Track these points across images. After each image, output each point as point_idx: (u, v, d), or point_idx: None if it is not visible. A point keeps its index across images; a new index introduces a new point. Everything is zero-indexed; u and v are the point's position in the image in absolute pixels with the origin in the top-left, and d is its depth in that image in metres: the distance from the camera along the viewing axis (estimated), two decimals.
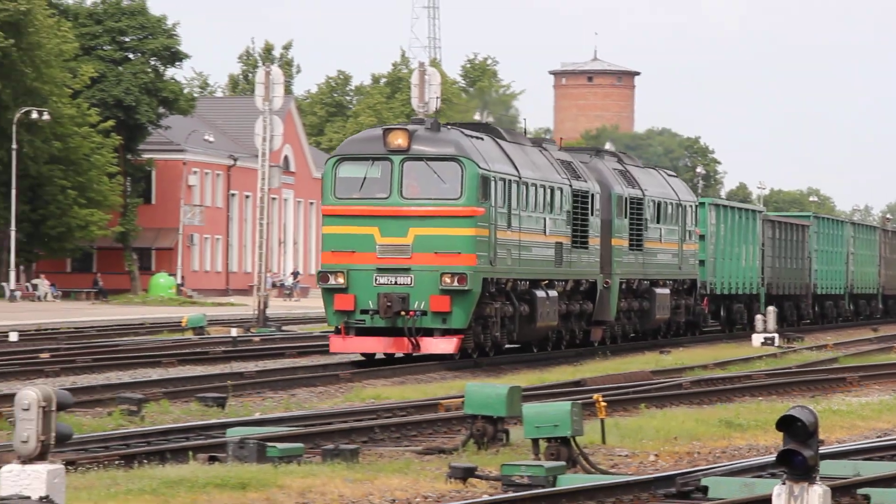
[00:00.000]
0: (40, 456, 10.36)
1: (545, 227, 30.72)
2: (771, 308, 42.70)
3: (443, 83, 61.69)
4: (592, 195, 33.30)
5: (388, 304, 26.01)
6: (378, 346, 26.62)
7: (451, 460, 14.90)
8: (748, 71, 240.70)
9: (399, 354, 27.58)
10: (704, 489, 12.95)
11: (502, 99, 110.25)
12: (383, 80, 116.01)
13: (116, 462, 14.19)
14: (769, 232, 48.03)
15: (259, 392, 23.34)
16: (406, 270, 26.62)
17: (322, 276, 27.14)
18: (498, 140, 29.62)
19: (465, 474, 13.78)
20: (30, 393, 10.44)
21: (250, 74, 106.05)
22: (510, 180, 28.58)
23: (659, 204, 37.38)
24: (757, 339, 39.93)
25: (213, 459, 14.21)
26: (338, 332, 27.27)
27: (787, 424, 8.95)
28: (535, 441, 14.87)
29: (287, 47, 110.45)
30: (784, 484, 9.38)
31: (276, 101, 47.79)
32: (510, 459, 14.58)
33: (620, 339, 35.39)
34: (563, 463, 14.25)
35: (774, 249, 48.47)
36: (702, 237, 41.45)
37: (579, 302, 32.92)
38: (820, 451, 9.55)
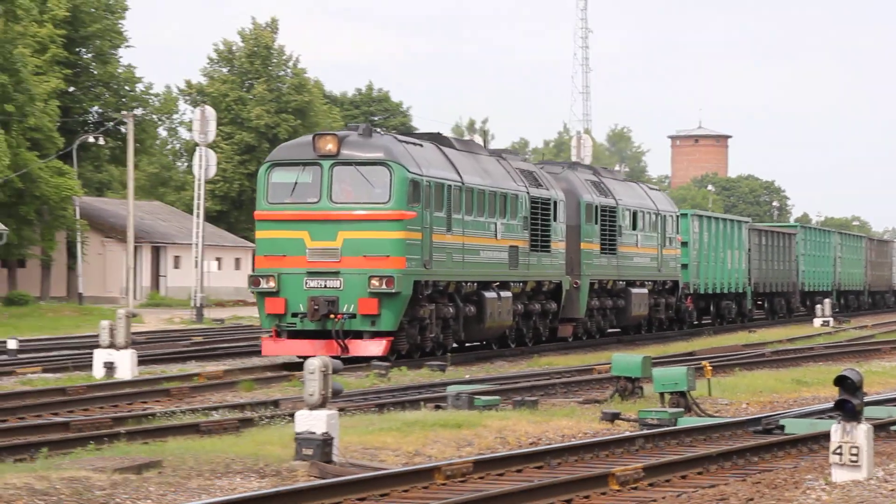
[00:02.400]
0: (321, 405, 12.63)
1: (496, 231, 28.18)
2: (827, 300, 48.12)
3: (593, 146, 75.13)
4: (555, 202, 31.22)
5: (315, 307, 23.60)
6: (308, 349, 23.43)
7: (602, 408, 17.88)
8: (812, 123, 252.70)
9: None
10: (782, 427, 15.66)
11: (635, 155, 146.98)
12: (552, 143, 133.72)
13: (372, 409, 17.58)
14: (755, 239, 49.06)
15: (469, 362, 27.69)
16: (335, 274, 23.92)
17: (254, 279, 24.80)
18: (442, 147, 27.39)
19: (613, 417, 16.92)
20: (314, 361, 12.67)
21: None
22: (451, 186, 26.10)
23: (635, 213, 35.88)
24: (817, 321, 45.69)
25: (437, 407, 17.68)
26: (271, 335, 24.60)
27: (840, 381, 11.44)
28: (662, 394, 17.65)
29: (484, 122, 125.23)
30: (839, 423, 11.64)
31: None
32: (644, 407, 17.34)
33: (593, 334, 33.89)
34: (682, 409, 17.12)
35: (761, 254, 49.51)
36: (685, 244, 40.30)
37: (541, 302, 30.90)
38: (864, 400, 11.50)
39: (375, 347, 23.39)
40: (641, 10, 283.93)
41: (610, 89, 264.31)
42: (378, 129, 25.90)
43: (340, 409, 14.96)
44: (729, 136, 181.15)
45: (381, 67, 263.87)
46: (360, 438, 14.12)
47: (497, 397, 18.17)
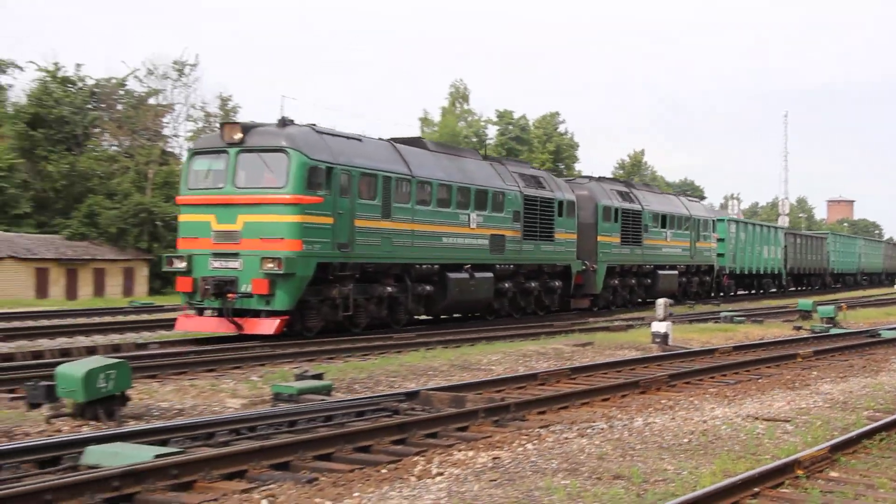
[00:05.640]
0: (663, 319, 24.02)
1: (470, 220, 27.20)
2: None
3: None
4: (561, 202, 32.07)
5: (206, 286, 21.69)
6: (211, 326, 21.92)
7: (792, 324, 31.72)
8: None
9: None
10: (880, 334, 27.48)
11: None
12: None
13: (685, 322, 30.51)
14: (790, 239, 61.96)
15: (730, 300, 47.22)
16: (235, 255, 21.75)
17: (168, 260, 22.81)
18: (397, 146, 25.87)
19: (797, 328, 30.58)
20: (661, 300, 23.82)
21: None
22: (392, 177, 24.07)
23: (664, 215, 40.05)
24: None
25: (715, 321, 31.32)
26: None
27: None
28: (822, 318, 31.96)
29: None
30: None
31: None
32: (813, 324, 31.19)
33: (610, 306, 36.39)
34: (832, 325, 30.93)
35: (796, 249, 62.63)
36: (721, 240, 47.99)
37: (545, 281, 31.76)
38: None
39: (268, 326, 21.42)
40: None
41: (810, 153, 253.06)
42: (295, 121, 23.17)
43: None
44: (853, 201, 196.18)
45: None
46: (681, 335, 25.47)
47: (744, 317, 32.29)
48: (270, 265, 21.41)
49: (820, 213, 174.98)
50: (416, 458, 9.75)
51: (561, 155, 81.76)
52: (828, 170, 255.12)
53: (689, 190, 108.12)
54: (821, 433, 11.34)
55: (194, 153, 23.47)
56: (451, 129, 77.58)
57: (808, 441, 10.83)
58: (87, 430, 10.88)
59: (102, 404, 11.71)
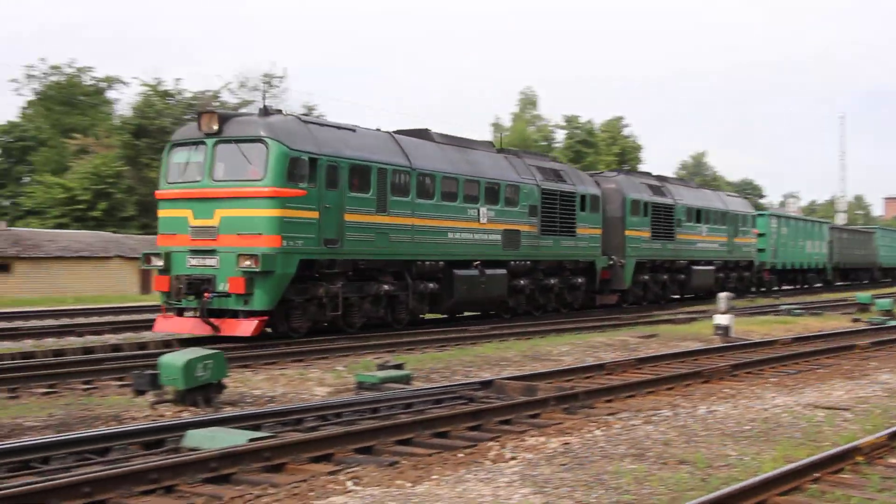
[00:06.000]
0: (725, 312, 22.95)
1: (479, 215, 24.57)
2: None
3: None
4: (583, 196, 29.36)
5: (179, 286, 19.40)
6: (187, 327, 19.52)
7: (852, 316, 30.74)
8: None
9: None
10: None
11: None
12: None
13: (747, 314, 30.05)
14: (836, 234, 58.61)
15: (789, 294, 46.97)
16: (212, 252, 19.33)
17: (146, 257, 20.38)
18: (398, 136, 23.29)
19: (855, 320, 29.62)
20: (722, 294, 23.35)
21: None
22: (388, 169, 21.59)
23: (698, 210, 37.26)
24: None
25: (776, 314, 30.91)
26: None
27: None
28: (880, 311, 30.71)
29: None
30: None
31: None
32: (870, 317, 29.64)
33: (640, 301, 33.83)
34: (888, 317, 29.68)
35: (842, 244, 58.98)
36: (762, 235, 44.77)
37: (566, 277, 29.10)
38: None
39: (245, 327, 19.00)
40: None
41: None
42: (280, 111, 21.21)
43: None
44: None
45: None
46: (742, 327, 25.05)
47: (803, 310, 31.64)
48: (247, 262, 18.98)
49: (877, 210, 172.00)
50: (490, 444, 9.73)
51: (626, 157, 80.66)
52: (887, 167, 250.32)
53: (749, 189, 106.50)
54: (880, 421, 11.06)
55: (173, 145, 20.78)
56: (521, 133, 77.77)
57: (867, 429, 10.58)
58: (187, 416, 11.03)
59: (201, 391, 11.88)
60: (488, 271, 25.18)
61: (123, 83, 64.75)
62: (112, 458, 8.63)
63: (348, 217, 20.81)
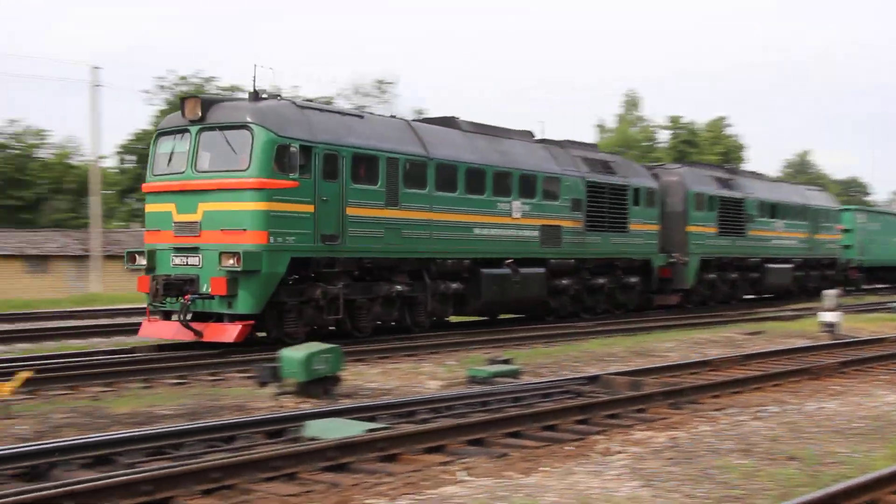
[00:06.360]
0: (833, 310, 21.91)
1: (511, 210, 22.06)
2: None
3: None
4: (637, 189, 26.62)
5: (157, 287, 17.23)
6: (170, 332, 17.45)
7: None
8: None
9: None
10: None
11: None
12: None
13: (853, 312, 27.94)
14: None
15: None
16: (195, 250, 17.15)
17: (130, 256, 18.17)
18: (415, 124, 21.28)
19: None
20: (830, 291, 22.16)
21: None
22: (399, 159, 19.27)
23: (773, 205, 34.06)
24: None
25: (888, 311, 29.48)
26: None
27: None
28: None
29: None
30: None
31: None
32: None
33: (709, 302, 30.91)
34: None
35: None
36: (847, 231, 41.11)
37: (618, 277, 26.35)
38: None
39: (228, 333, 16.88)
40: None
41: None
42: (279, 96, 19.23)
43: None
44: None
45: None
46: (850, 325, 24.07)
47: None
48: (230, 261, 16.70)
49: None
50: (597, 437, 9.63)
51: (729, 157, 78.59)
52: None
53: (854, 187, 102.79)
54: None
55: (159, 134, 18.56)
56: (624, 134, 77.09)
57: None
58: (306, 407, 11.20)
59: (319, 384, 12.08)
60: (523, 270, 22.66)
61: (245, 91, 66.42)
62: (237, 446, 8.82)
63: (351, 211, 18.47)
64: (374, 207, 19.05)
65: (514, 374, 13.61)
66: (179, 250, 17.67)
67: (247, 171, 17.12)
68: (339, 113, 19.59)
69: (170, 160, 18.08)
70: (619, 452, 8.88)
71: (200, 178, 17.61)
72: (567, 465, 8.32)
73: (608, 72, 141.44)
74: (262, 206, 17.03)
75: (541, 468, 8.22)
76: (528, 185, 23.05)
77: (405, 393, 12.77)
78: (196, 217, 17.45)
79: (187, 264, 17.52)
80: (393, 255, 19.73)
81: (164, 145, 18.33)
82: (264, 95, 18.35)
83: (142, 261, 18.07)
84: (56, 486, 6.81)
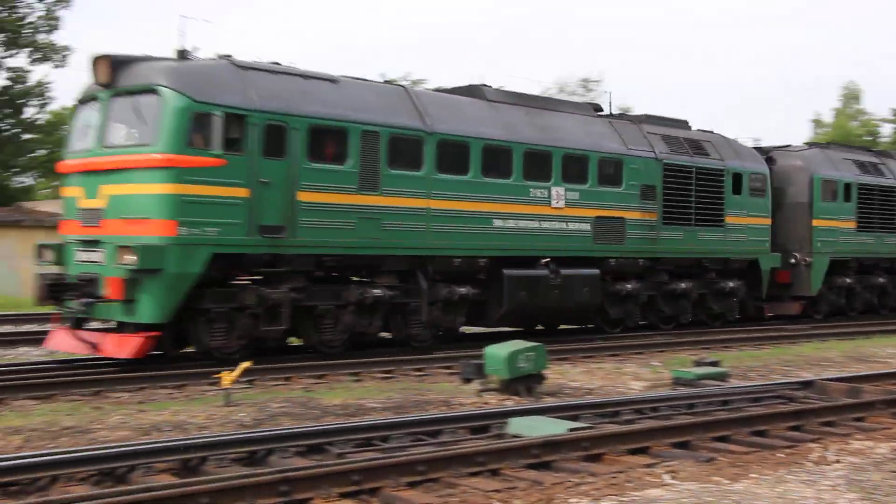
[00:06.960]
0: None
1: (551, 196, 18.06)
2: None
3: None
4: (738, 174, 21.89)
5: (40, 287, 14.21)
6: (70, 343, 14.04)
7: None
8: None
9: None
10: None
11: None
12: None
13: None
14: None
15: None
16: (97, 243, 13.99)
17: (39, 251, 14.87)
18: (413, 90, 17.59)
19: None
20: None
21: None
22: (376, 132, 15.48)
23: None
24: None
25: None
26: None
27: None
28: None
29: None
30: None
31: None
32: None
33: (840, 311, 25.59)
34: None
35: None
36: None
37: (710, 281, 21.75)
38: None
39: (123, 347, 13.58)
40: None
41: None
42: (223, 57, 14.89)
43: None
44: None
45: None
46: None
47: None
48: (127, 257, 13.46)
49: None
50: (811, 445, 9.19)
51: None
52: None
53: None
54: None
55: (80, 101, 15.26)
56: (843, 128, 73.59)
57: None
58: (510, 404, 11.31)
59: (523, 381, 12.15)
60: (565, 271, 18.54)
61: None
62: (442, 441, 8.98)
63: (305, 196, 14.85)
64: (340, 192, 15.39)
65: (722, 376, 13.25)
66: (84, 243, 14.48)
67: (152, 145, 13.75)
68: (296, 75, 15.63)
69: (85, 134, 14.91)
70: (836, 462, 8.46)
71: (105, 154, 14.35)
72: (778, 473, 7.99)
73: (824, 68, 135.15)
74: (168, 188, 13.57)
75: (750, 475, 7.93)
76: (575, 167, 18.97)
77: (608, 393, 12.67)
78: (99, 203, 14.24)
79: (90, 261, 14.34)
80: (369, 250, 15.97)
81: (84, 116, 15.09)
82: (195, 54, 14.83)
83: (47, 257, 14.92)
84: (273, 472, 7.09)
